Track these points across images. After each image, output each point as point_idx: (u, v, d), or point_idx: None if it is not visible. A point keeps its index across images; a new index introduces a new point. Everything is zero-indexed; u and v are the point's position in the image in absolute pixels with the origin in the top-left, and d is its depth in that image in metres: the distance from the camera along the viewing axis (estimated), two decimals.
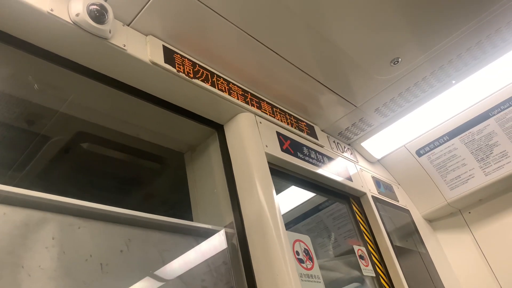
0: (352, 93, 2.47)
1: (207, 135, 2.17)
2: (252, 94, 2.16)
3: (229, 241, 1.78)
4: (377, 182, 2.91)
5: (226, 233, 1.79)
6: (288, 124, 2.32)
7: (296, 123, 2.41)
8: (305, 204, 2.74)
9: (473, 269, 2.96)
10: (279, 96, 2.32)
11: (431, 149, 3.02)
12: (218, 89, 1.92)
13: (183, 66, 1.79)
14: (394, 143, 3.05)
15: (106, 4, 1.50)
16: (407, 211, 3.04)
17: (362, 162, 2.97)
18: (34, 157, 2.11)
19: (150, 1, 1.61)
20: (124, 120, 1.99)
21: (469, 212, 3.09)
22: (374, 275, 2.35)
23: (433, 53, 2.31)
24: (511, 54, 2.49)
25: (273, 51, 2.00)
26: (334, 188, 2.53)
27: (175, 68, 1.74)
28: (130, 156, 2.36)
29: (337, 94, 2.42)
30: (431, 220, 3.25)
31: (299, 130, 2.38)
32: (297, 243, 1.88)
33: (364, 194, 2.67)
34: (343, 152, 2.79)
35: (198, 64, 1.89)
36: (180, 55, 1.82)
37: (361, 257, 2.34)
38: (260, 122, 2.11)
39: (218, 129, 2.11)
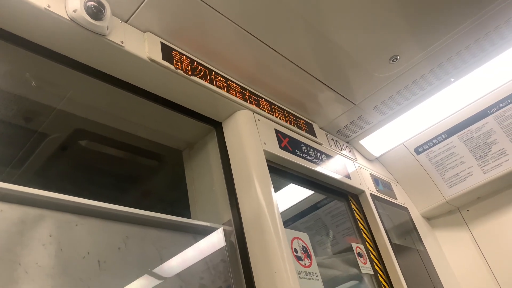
0: (350, 90, 2.46)
1: (205, 133, 2.16)
2: (250, 92, 2.16)
3: (227, 239, 1.77)
4: (376, 180, 2.91)
5: (224, 230, 1.79)
6: (286, 121, 2.31)
7: (294, 120, 2.40)
8: (303, 202, 2.74)
9: (471, 267, 2.97)
10: (277, 93, 2.32)
11: (430, 147, 3.02)
12: (216, 86, 1.92)
13: (181, 63, 1.79)
14: (393, 141, 3.05)
15: (103, 1, 1.50)
16: (406, 209, 3.04)
17: (361, 160, 2.97)
18: (31, 154, 2.11)
19: None
20: (122, 117, 1.99)
21: (468, 210, 3.09)
22: (372, 272, 2.35)
23: (432, 50, 2.31)
24: (510, 52, 2.49)
25: (272, 48, 2.00)
26: (332, 186, 2.53)
27: (173, 65, 1.74)
28: (128, 154, 2.35)
29: (335, 91, 2.42)
30: (429, 218, 3.25)
31: (297, 128, 2.38)
32: (295, 240, 1.88)
33: (363, 192, 2.67)
34: (341, 150, 2.78)
35: (196, 61, 1.89)
36: (178, 52, 1.81)
37: (360, 254, 2.34)
38: (259, 120, 2.11)
39: (217, 126, 2.10)
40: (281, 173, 2.19)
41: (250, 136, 1.99)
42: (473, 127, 2.87)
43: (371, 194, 2.70)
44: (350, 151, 2.89)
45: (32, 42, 1.46)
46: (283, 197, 2.58)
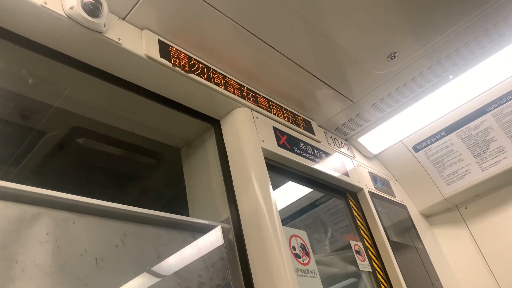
0: (349, 88, 2.46)
1: (204, 130, 2.16)
2: (248, 89, 2.15)
3: (226, 237, 1.77)
4: (374, 178, 2.91)
5: (223, 228, 1.79)
6: (284, 119, 2.31)
7: (293, 118, 2.40)
8: (302, 199, 2.74)
9: (469, 264, 2.97)
10: (275, 91, 2.31)
11: (428, 145, 3.02)
12: (214, 83, 1.91)
13: (179, 61, 1.78)
14: (391, 138, 3.05)
15: None
16: (404, 207, 3.04)
17: (359, 158, 2.97)
18: (29, 152, 2.10)
19: None
20: (120, 115, 1.98)
21: (466, 208, 3.10)
22: (370, 270, 2.35)
23: (431, 48, 2.31)
24: (509, 49, 2.49)
25: (270, 46, 1.99)
26: (331, 184, 2.53)
27: (171, 62, 1.73)
28: (126, 152, 2.35)
29: (334, 89, 2.41)
30: (427, 216, 3.25)
31: (295, 125, 2.38)
32: (293, 238, 1.88)
33: (361, 189, 2.67)
34: (340, 148, 2.78)
35: (194, 59, 1.88)
36: (176, 49, 1.81)
37: (358, 252, 2.34)
38: (257, 117, 2.10)
39: (215, 124, 2.10)
40: (279, 170, 2.18)
41: (248, 134, 1.99)
42: (472, 124, 2.87)
43: (369, 192, 2.70)
44: (348, 149, 2.89)
45: (28, 39, 1.46)
46: (282, 195, 2.58)
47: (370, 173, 2.90)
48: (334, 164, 2.53)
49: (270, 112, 2.22)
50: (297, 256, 1.83)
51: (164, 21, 1.74)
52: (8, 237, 1.13)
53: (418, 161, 3.06)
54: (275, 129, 2.18)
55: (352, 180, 2.60)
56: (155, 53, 1.68)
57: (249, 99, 2.10)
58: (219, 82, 1.95)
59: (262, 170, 1.91)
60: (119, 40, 1.56)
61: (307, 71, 2.21)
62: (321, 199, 2.74)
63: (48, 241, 1.21)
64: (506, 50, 2.48)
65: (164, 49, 1.74)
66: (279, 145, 2.13)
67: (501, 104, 2.78)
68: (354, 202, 2.65)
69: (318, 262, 1.97)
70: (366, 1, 1.90)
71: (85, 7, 1.43)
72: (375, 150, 3.10)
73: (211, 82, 1.89)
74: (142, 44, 1.66)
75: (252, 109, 2.10)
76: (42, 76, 1.69)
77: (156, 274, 1.49)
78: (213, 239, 1.74)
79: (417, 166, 3.08)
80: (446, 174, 2.97)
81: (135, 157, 2.42)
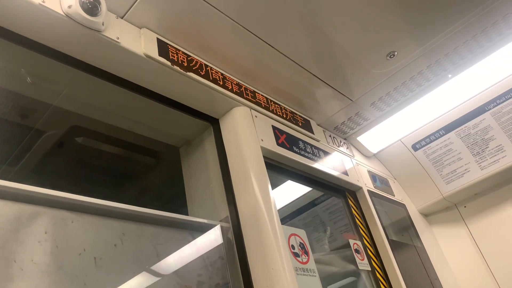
0: (348, 87, 2.46)
1: (203, 129, 2.16)
2: (247, 88, 2.15)
3: (225, 236, 1.77)
4: (373, 177, 2.91)
5: (222, 227, 1.78)
6: (284, 118, 2.31)
7: (292, 117, 2.40)
8: (301, 198, 2.74)
9: (468, 263, 2.98)
10: (274, 90, 2.31)
11: (427, 144, 3.02)
12: (213, 82, 1.91)
13: (178, 59, 1.78)
14: (390, 137, 3.05)
15: None
16: (403, 206, 3.04)
17: (358, 157, 2.97)
18: (28, 151, 2.10)
19: None
20: (119, 114, 1.98)
21: (465, 206, 3.10)
22: (369, 269, 2.35)
23: (430, 46, 2.30)
24: (507, 48, 2.49)
25: (269, 45, 1.99)
26: (330, 183, 2.53)
27: (170, 61, 1.73)
28: (125, 151, 2.35)
29: (333, 88, 2.41)
30: (427, 214, 3.25)
31: (295, 124, 2.38)
32: (292, 237, 1.88)
33: (360, 188, 2.67)
34: (339, 147, 2.78)
35: (193, 58, 1.88)
36: (175, 48, 1.81)
37: (357, 251, 2.34)
38: (256, 116, 2.10)
39: (214, 123, 2.10)
40: (278, 169, 2.18)
41: (247, 133, 1.98)
42: (471, 123, 2.88)
43: (368, 191, 2.70)
44: (347, 148, 2.89)
45: (26, 38, 1.45)
46: (281, 194, 2.58)
47: (369, 172, 2.90)
48: (333, 163, 2.52)
49: (269, 111, 2.22)
50: (296, 255, 1.83)
51: (162, 19, 1.73)
52: (6, 236, 1.13)
53: (417, 160, 3.07)
54: (274, 128, 2.18)
55: (351, 179, 2.60)
56: (154, 52, 1.68)
57: (248, 98, 2.10)
58: (218, 81, 1.94)
59: (261, 169, 1.90)
60: (118, 38, 1.56)
61: (306, 70, 2.21)
62: (320, 198, 2.74)
63: (46, 240, 1.21)
64: (505, 48, 2.48)
65: (163, 48, 1.74)
66: (278, 144, 2.13)
67: (500, 103, 2.79)
68: (353, 201, 2.65)
69: (317, 261, 1.97)
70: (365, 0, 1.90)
71: (83, 5, 1.43)
72: (374, 149, 3.10)
73: (210, 81, 1.89)
74: (141, 43, 1.66)
75: (251, 108, 2.10)
76: (41, 75, 1.69)
77: (155, 273, 1.49)
78: (212, 238, 1.74)
79: (416, 165, 3.08)
80: (445, 173, 2.98)
81: (134, 156, 2.42)
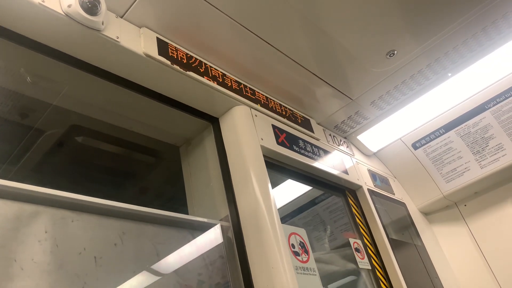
0: (348, 86, 2.46)
1: (202, 129, 2.16)
2: (247, 87, 2.15)
3: (225, 235, 1.77)
4: (373, 175, 2.91)
5: (222, 226, 1.78)
6: (283, 117, 2.31)
7: (291, 116, 2.40)
8: (301, 197, 2.74)
9: (468, 261, 2.98)
10: (274, 89, 2.31)
11: (427, 142, 3.02)
12: (213, 81, 1.91)
13: (178, 59, 1.78)
14: (390, 136, 3.05)
15: None
16: (403, 204, 3.04)
17: (358, 155, 2.96)
18: (28, 150, 2.10)
19: None
20: (119, 113, 1.98)
21: (465, 205, 3.10)
22: (370, 267, 2.35)
23: (429, 45, 2.30)
24: (507, 47, 2.48)
25: (268, 44, 1.99)
26: (330, 182, 2.53)
27: (169, 60, 1.73)
28: (125, 150, 2.35)
29: (332, 87, 2.41)
30: (427, 213, 3.25)
31: (294, 123, 2.38)
32: (292, 236, 1.88)
33: (360, 187, 2.67)
34: (339, 145, 2.78)
35: (193, 57, 1.88)
36: (175, 47, 1.80)
37: (357, 250, 2.34)
38: (256, 115, 2.10)
39: (213, 122, 2.10)
40: (278, 168, 2.18)
41: (247, 132, 1.98)
42: (471, 122, 2.87)
43: (368, 190, 2.70)
44: (347, 147, 2.89)
45: (26, 37, 1.45)
46: (281, 193, 2.58)
47: (369, 170, 2.90)
48: (333, 162, 2.52)
49: (269, 110, 2.22)
50: (296, 254, 1.83)
51: (162, 19, 1.73)
52: (6, 235, 1.13)
53: (417, 158, 3.06)
54: (274, 127, 2.18)
55: (351, 177, 2.60)
56: (154, 51, 1.68)
57: (248, 97, 2.10)
58: (218, 80, 1.94)
59: (261, 168, 1.90)
60: (117, 38, 1.56)
61: (306, 69, 2.21)
62: (320, 197, 2.74)
63: (46, 240, 1.21)
64: (504, 47, 2.48)
65: (163, 47, 1.74)
66: (278, 143, 2.13)
67: (500, 102, 2.78)
68: (353, 199, 2.65)
69: (317, 260, 1.97)
70: None
71: (83, 5, 1.43)
72: (374, 148, 3.10)
73: (210, 80, 1.89)
74: (141, 42, 1.66)
75: (251, 107, 2.10)
76: (41, 75, 1.69)
77: (155, 273, 1.49)
78: (212, 237, 1.74)
79: (416, 164, 3.08)
80: (445, 171, 2.98)
81: (134, 155, 2.42)
